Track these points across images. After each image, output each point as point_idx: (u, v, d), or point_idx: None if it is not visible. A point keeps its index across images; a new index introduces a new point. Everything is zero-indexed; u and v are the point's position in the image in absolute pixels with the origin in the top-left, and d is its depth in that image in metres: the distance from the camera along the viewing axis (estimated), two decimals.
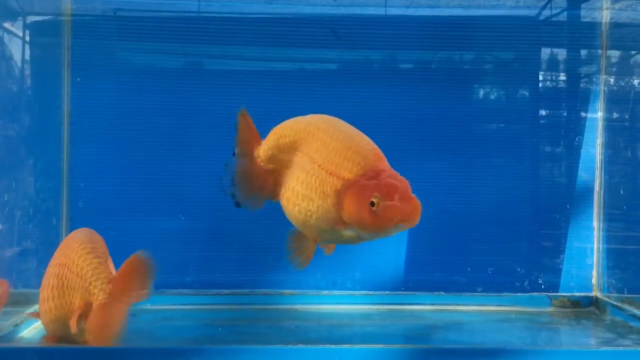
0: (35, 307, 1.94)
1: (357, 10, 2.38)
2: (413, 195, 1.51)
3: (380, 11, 2.39)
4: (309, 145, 1.67)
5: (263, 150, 1.77)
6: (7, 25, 2.24)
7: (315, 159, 1.63)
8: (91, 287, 1.67)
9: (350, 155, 1.58)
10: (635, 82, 2.42)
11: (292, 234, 1.72)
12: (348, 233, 1.60)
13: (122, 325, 1.67)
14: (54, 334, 1.78)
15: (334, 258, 2.34)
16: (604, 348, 1.87)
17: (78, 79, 2.32)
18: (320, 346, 1.74)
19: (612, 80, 2.39)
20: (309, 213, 1.63)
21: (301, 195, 1.64)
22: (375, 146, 1.61)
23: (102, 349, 1.71)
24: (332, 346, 1.71)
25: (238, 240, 2.35)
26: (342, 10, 2.37)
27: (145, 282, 1.69)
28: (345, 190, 1.55)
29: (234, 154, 1.81)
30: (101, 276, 1.68)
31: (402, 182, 1.53)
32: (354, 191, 1.53)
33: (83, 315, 1.68)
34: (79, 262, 1.71)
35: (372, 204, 1.49)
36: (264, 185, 1.78)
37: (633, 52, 2.45)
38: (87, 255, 1.72)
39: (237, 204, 1.80)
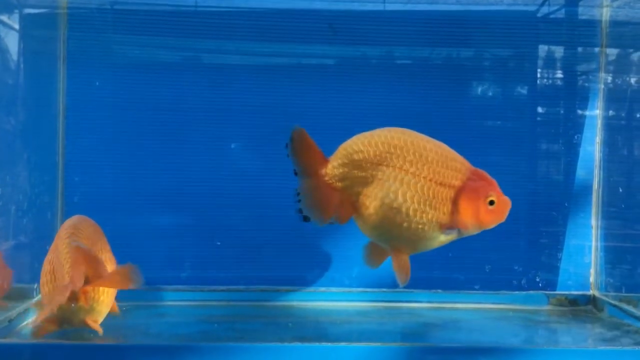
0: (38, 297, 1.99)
1: (355, 6, 2.36)
2: None
3: (379, 7, 2.38)
4: (398, 159, 1.71)
5: (332, 167, 1.75)
6: (2, 17, 2.22)
7: (416, 171, 1.70)
8: (63, 271, 1.73)
9: (450, 163, 1.72)
10: (634, 80, 2.41)
11: (392, 255, 1.77)
12: (448, 237, 1.74)
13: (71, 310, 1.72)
14: (52, 317, 1.78)
15: (331, 255, 2.35)
16: (602, 347, 1.86)
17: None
18: (317, 344, 1.73)
19: (611, 78, 2.38)
20: (420, 226, 1.70)
21: (412, 210, 1.69)
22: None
23: (97, 346, 1.71)
24: (330, 344, 1.71)
25: (234, 236, 2.34)
26: (341, 6, 2.36)
27: (93, 267, 1.71)
28: (460, 196, 1.70)
29: (295, 173, 1.77)
30: (69, 260, 1.72)
31: None
32: (470, 195, 1.70)
33: (71, 297, 1.70)
34: (60, 247, 1.78)
35: (491, 202, 1.70)
36: (330, 205, 1.76)
37: (632, 50, 2.44)
38: (66, 239, 1.78)
39: (306, 218, 1.78)
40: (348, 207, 1.75)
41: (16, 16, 2.27)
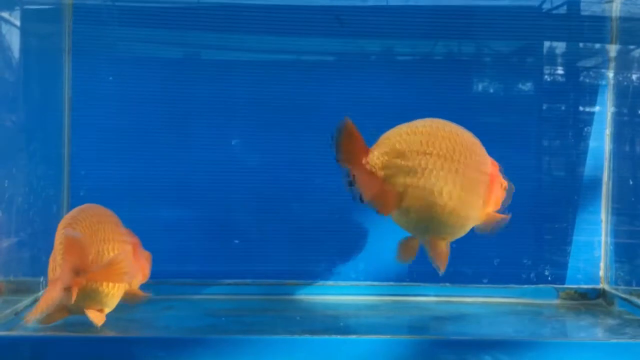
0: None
1: (358, 1, 2.35)
2: None
3: (382, 1, 2.36)
4: (447, 149, 1.73)
5: (374, 156, 1.73)
6: (8, 11, 2.21)
7: (464, 160, 1.73)
8: (56, 263, 1.74)
9: (480, 151, 1.79)
10: None
11: (430, 244, 1.79)
12: (477, 222, 1.81)
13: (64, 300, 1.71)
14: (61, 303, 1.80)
15: (338, 248, 2.34)
16: (612, 340, 1.85)
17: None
18: (327, 336, 1.72)
19: (621, 72, 2.36)
20: (468, 213, 1.76)
21: (463, 198, 1.73)
22: None
23: (105, 338, 1.70)
24: (339, 336, 1.70)
25: (241, 229, 2.33)
26: (344, 0, 2.34)
27: (84, 258, 1.71)
28: (490, 182, 1.79)
29: (337, 160, 1.73)
30: (60, 252, 1.74)
31: None
32: (496, 182, 1.80)
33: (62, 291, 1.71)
34: (56, 237, 1.80)
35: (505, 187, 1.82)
36: (372, 191, 1.73)
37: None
38: (61, 230, 1.79)
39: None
40: (393, 199, 1.72)
41: (22, 9, 2.26)
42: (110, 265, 1.77)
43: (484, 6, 2.38)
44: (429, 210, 1.71)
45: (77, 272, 1.71)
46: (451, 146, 1.73)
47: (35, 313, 1.68)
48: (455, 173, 1.71)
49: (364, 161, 1.73)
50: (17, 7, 2.25)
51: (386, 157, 1.72)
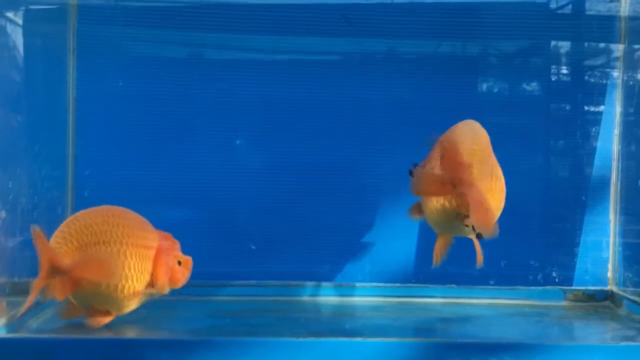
0: None
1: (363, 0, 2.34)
2: None
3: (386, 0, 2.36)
4: (491, 149, 1.79)
5: (473, 172, 1.71)
6: (13, 11, 2.20)
7: (493, 158, 1.78)
8: None
9: None
10: None
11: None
12: None
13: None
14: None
15: (344, 249, 2.33)
16: (620, 343, 1.83)
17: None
18: (333, 339, 1.71)
19: (630, 72, 2.35)
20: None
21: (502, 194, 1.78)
22: None
23: (109, 340, 1.70)
24: (346, 339, 1.69)
25: (246, 231, 2.32)
26: None
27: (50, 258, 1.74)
28: None
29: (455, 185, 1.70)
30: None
31: None
32: None
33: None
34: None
35: None
36: None
37: None
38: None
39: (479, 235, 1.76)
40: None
41: (26, 9, 2.26)
42: (80, 266, 1.76)
43: (491, 4, 2.37)
44: (498, 210, 1.77)
45: (54, 272, 1.73)
46: (489, 145, 1.78)
47: (22, 310, 1.75)
48: (497, 170, 1.77)
49: (468, 180, 1.68)
50: (22, 7, 2.24)
51: (475, 168, 1.72)
